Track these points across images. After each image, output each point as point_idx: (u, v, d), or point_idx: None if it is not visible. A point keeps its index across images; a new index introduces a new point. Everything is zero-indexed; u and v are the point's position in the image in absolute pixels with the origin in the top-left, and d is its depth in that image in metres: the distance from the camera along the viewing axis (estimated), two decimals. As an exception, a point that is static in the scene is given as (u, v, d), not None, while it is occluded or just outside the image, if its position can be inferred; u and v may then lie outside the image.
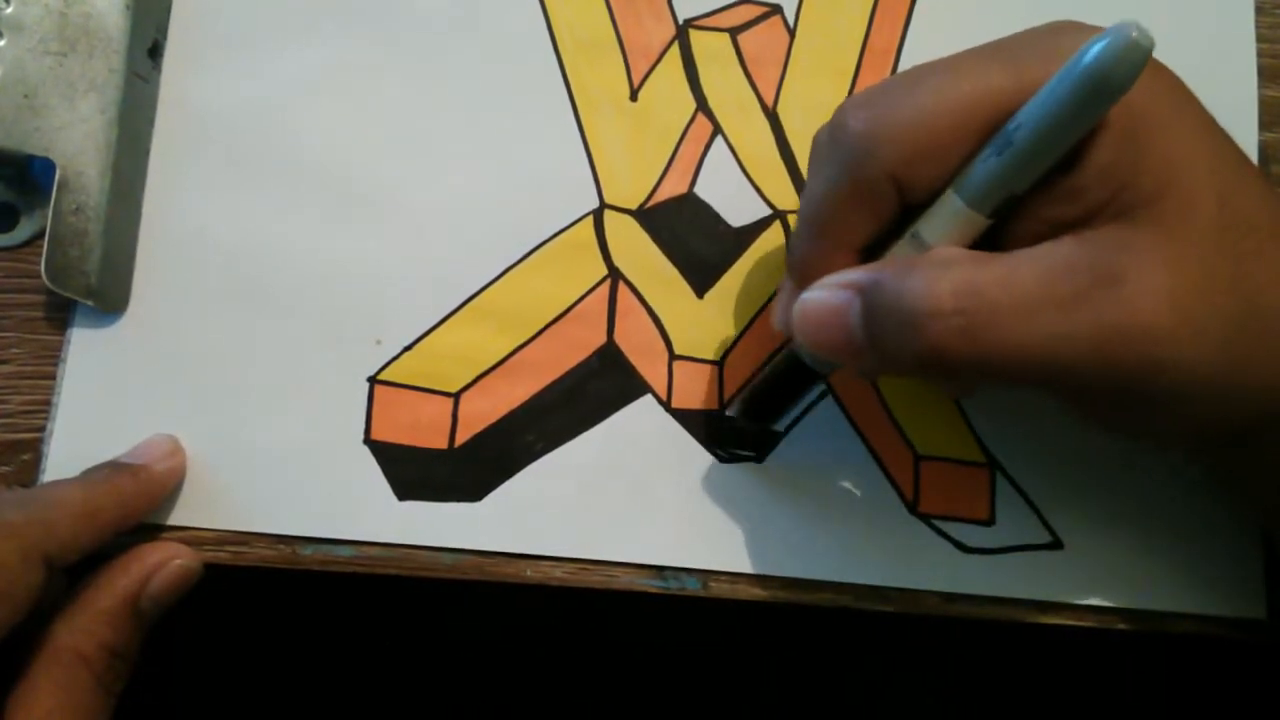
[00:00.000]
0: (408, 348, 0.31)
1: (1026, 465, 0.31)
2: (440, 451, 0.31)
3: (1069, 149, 0.22)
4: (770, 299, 0.32)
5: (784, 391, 0.29)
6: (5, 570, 0.25)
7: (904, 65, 0.33)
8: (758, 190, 0.33)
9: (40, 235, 0.31)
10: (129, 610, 0.28)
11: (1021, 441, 0.31)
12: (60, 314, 0.31)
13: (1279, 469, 0.26)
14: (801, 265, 0.26)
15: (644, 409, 0.31)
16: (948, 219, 0.24)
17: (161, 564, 0.29)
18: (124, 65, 0.31)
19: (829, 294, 0.24)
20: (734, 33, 0.33)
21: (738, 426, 0.31)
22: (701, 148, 0.33)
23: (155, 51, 0.33)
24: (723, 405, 0.31)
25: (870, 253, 0.26)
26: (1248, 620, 0.30)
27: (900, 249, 0.25)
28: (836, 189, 0.25)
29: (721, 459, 0.31)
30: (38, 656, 0.27)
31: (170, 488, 0.30)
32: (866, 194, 0.24)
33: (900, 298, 0.23)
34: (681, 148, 0.33)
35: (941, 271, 0.22)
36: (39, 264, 0.30)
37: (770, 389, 0.29)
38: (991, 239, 0.24)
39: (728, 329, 0.32)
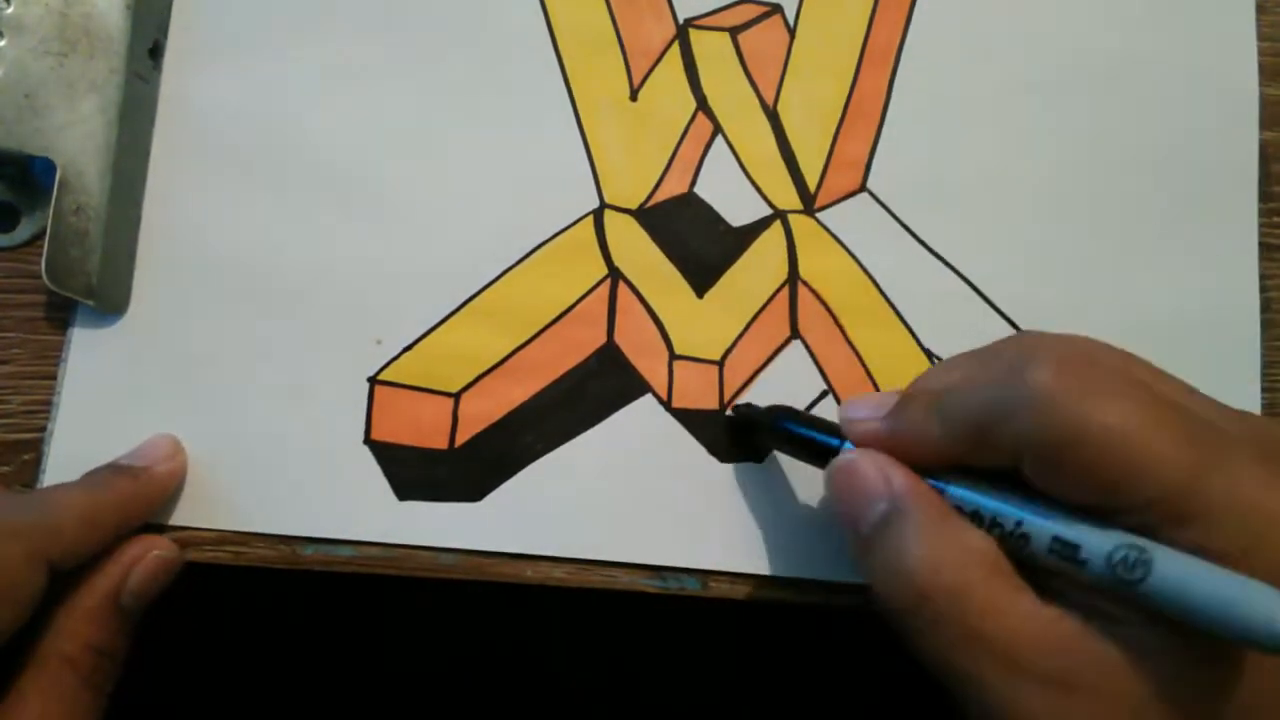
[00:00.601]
0: (408, 348, 0.31)
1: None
2: (440, 452, 0.31)
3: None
4: (770, 299, 0.32)
5: (806, 449, 0.28)
6: (9, 574, 0.25)
7: (904, 66, 0.33)
8: (758, 190, 0.33)
9: (41, 235, 0.31)
10: (111, 607, 0.28)
11: None
12: (61, 314, 0.31)
13: None
14: (903, 414, 0.26)
15: (644, 409, 0.31)
16: (1039, 546, 0.23)
17: (139, 557, 0.28)
18: (124, 66, 0.31)
19: (870, 473, 0.25)
20: (734, 32, 0.33)
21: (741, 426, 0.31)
22: (702, 147, 0.33)
23: (156, 52, 0.33)
24: (723, 406, 0.31)
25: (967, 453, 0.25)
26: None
27: (983, 519, 0.24)
28: (980, 409, 0.24)
29: (722, 459, 0.31)
30: (23, 662, 0.26)
31: (171, 489, 0.30)
32: (991, 438, 0.23)
33: (909, 543, 0.24)
34: (681, 147, 0.33)
35: (957, 561, 0.23)
36: (39, 264, 0.30)
37: (800, 435, 0.28)
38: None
39: (728, 328, 0.32)
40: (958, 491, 0.25)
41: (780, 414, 0.30)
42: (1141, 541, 0.21)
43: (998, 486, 0.24)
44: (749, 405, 0.31)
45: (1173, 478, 0.21)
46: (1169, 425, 0.21)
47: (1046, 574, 0.23)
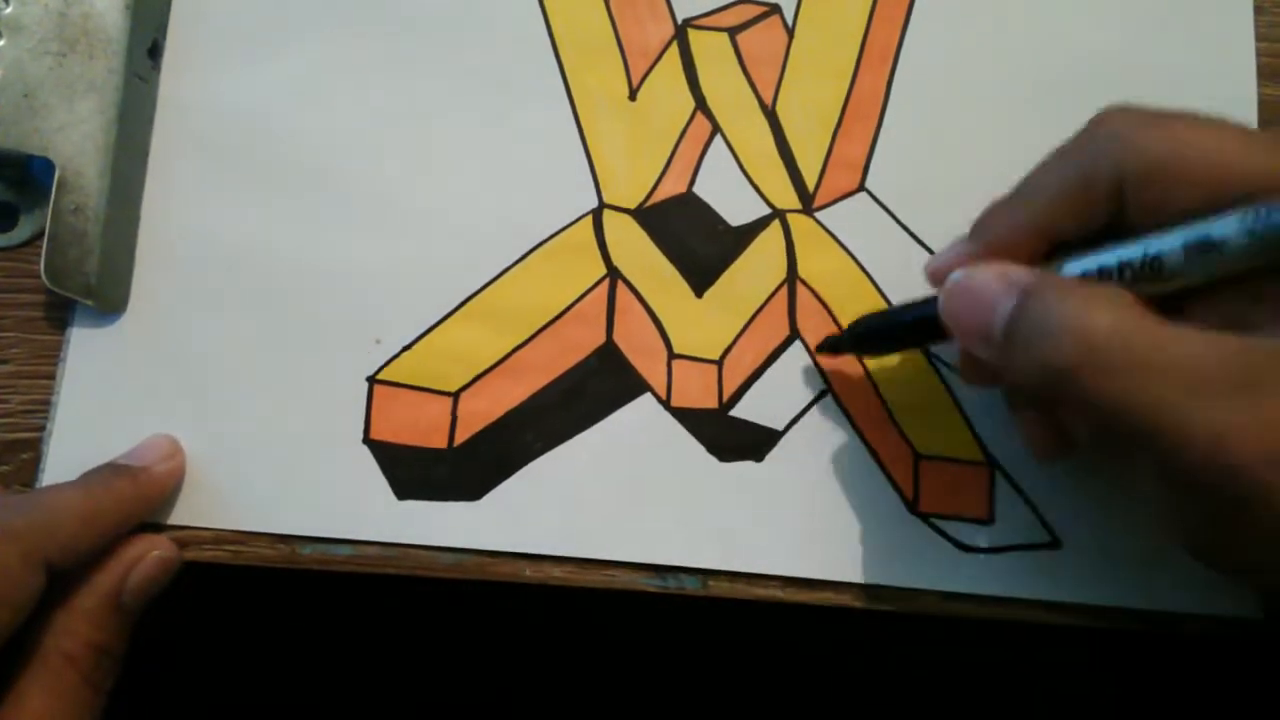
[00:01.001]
0: (407, 347, 0.31)
1: (1025, 465, 0.31)
2: (439, 451, 0.31)
3: None
4: (769, 298, 0.32)
5: (906, 336, 0.29)
6: (7, 574, 0.25)
7: (902, 66, 0.33)
8: (757, 190, 0.33)
9: (40, 235, 0.31)
10: (111, 606, 0.28)
11: (1021, 441, 0.31)
12: (60, 314, 0.31)
13: None
14: (989, 227, 0.27)
15: (643, 408, 0.31)
16: (1171, 266, 0.24)
17: (139, 557, 0.29)
18: (123, 66, 0.31)
19: (988, 280, 0.25)
20: (733, 32, 0.33)
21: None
22: (700, 147, 0.33)
23: (155, 52, 0.33)
24: (722, 405, 0.31)
25: (1055, 251, 0.26)
26: (1244, 620, 0.30)
27: (1102, 272, 0.25)
28: (1063, 170, 0.25)
29: (721, 459, 0.31)
30: (23, 660, 0.27)
31: (170, 489, 0.30)
32: (1090, 191, 0.25)
33: (1053, 311, 0.23)
34: (680, 147, 0.33)
35: (1105, 306, 0.23)
36: (38, 264, 0.30)
37: (893, 327, 0.29)
38: (1168, 307, 0.24)
39: (727, 328, 0.32)
40: (1072, 265, 0.25)
41: (858, 326, 0.30)
42: (1258, 204, 0.22)
43: (1103, 245, 0.25)
44: (833, 337, 0.31)
45: (1270, 163, 0.22)
46: (1248, 134, 0.24)
47: (1185, 307, 0.24)
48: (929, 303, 0.27)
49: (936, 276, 0.28)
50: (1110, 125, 0.25)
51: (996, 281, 0.25)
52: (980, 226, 0.27)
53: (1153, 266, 0.24)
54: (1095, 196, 0.25)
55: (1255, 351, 0.22)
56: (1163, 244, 0.24)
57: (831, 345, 0.31)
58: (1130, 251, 0.24)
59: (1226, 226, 0.23)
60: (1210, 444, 0.21)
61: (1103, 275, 0.25)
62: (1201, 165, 0.23)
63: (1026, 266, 0.25)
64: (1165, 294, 0.24)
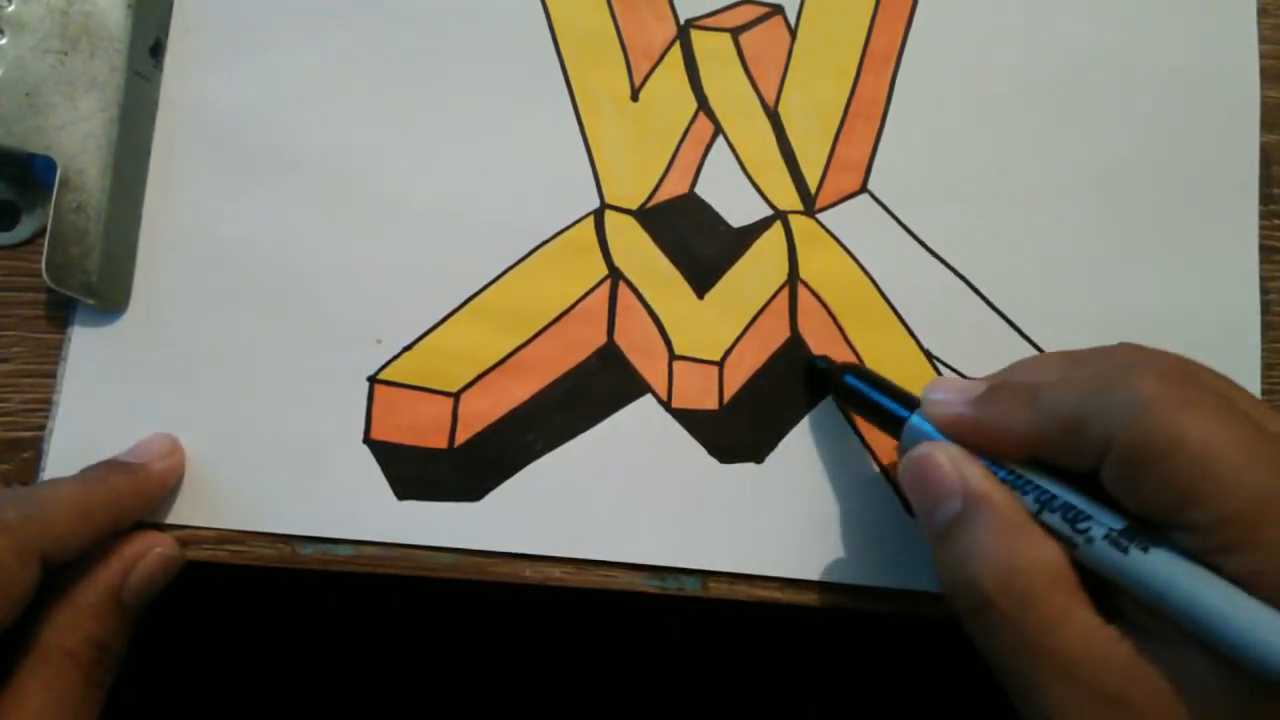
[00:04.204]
0: (408, 347, 0.31)
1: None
2: (440, 451, 0.31)
3: None
4: (770, 299, 0.32)
5: (872, 413, 0.29)
6: (2, 568, 0.25)
7: (905, 67, 0.33)
8: (758, 190, 0.33)
9: (41, 234, 0.31)
10: (112, 603, 0.28)
11: None
12: (61, 312, 0.31)
13: None
14: (977, 419, 0.26)
15: (644, 409, 0.31)
16: (1103, 560, 0.23)
17: (141, 554, 0.29)
18: (125, 64, 0.31)
19: (947, 475, 0.25)
20: (735, 33, 0.33)
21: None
22: (702, 148, 0.33)
23: (157, 50, 0.33)
24: (722, 406, 0.31)
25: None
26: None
27: (1057, 516, 0.24)
28: (1070, 424, 0.24)
29: (722, 459, 0.31)
30: (24, 655, 0.27)
31: (168, 487, 0.30)
32: (1082, 446, 0.24)
33: (985, 539, 0.24)
34: (682, 148, 0.33)
35: (1027, 564, 0.23)
36: (40, 262, 0.30)
37: (868, 400, 0.29)
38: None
39: (728, 329, 0.32)
40: (1034, 479, 0.25)
41: (849, 371, 0.30)
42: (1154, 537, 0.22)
43: (1071, 485, 0.25)
44: (825, 358, 0.31)
45: (1251, 501, 0.21)
46: (1261, 453, 0.22)
47: (1110, 591, 0.24)
48: (904, 412, 0.28)
49: (929, 405, 0.27)
50: (1136, 387, 0.23)
51: (950, 473, 0.25)
52: (991, 395, 0.26)
53: (1083, 536, 0.24)
54: (1086, 446, 0.24)
55: (1132, 661, 0.22)
56: (1099, 520, 0.23)
57: (817, 370, 0.31)
58: (1076, 505, 0.24)
59: (1105, 523, 0.23)
60: None
61: (1049, 506, 0.24)
62: (1195, 474, 0.22)
63: (985, 473, 0.25)
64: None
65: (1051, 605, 0.23)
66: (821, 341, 0.32)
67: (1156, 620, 0.23)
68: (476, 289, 0.32)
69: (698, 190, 0.33)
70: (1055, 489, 0.24)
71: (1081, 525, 0.24)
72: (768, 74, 0.33)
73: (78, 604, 0.27)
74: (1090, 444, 0.23)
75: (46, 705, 0.26)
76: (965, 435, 0.26)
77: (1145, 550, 0.22)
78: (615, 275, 0.32)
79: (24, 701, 0.26)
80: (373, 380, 0.31)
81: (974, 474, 0.25)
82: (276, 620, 0.51)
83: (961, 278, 0.32)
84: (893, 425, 0.28)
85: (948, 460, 0.25)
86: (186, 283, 0.32)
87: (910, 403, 0.28)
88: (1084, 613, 0.23)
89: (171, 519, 0.30)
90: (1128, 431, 0.22)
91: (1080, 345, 0.32)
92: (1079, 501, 0.24)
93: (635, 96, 0.33)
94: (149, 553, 0.29)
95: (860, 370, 0.30)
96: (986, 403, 0.26)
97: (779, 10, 0.34)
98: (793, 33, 0.34)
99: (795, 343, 0.32)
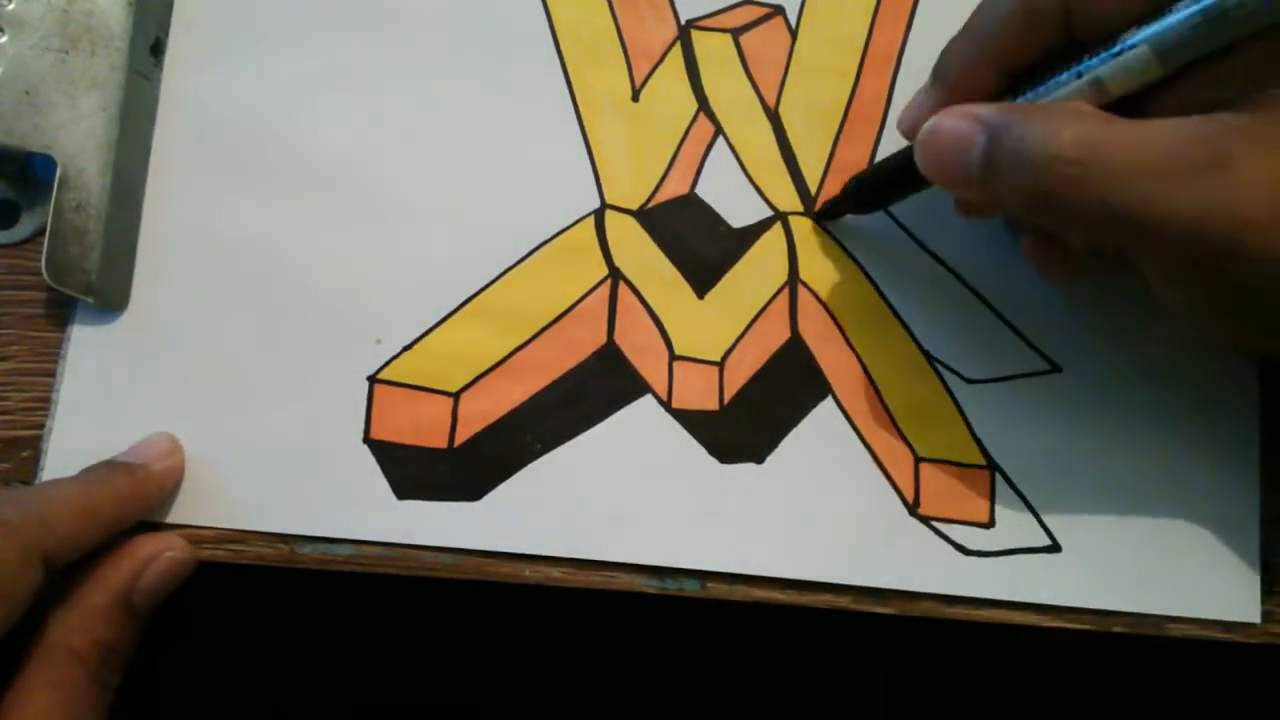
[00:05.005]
0: (408, 347, 0.31)
1: (1026, 468, 0.31)
2: (440, 451, 0.31)
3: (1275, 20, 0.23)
4: (770, 300, 0.32)
5: (892, 188, 0.30)
6: (4, 569, 0.25)
7: (905, 67, 0.33)
8: (759, 191, 0.33)
9: (41, 232, 0.31)
10: (121, 605, 0.28)
11: (1021, 445, 0.31)
12: (61, 311, 0.31)
13: None
14: (947, 68, 0.28)
15: (644, 409, 0.31)
16: (1133, 67, 0.24)
17: (153, 557, 0.29)
18: (126, 63, 0.31)
19: (957, 122, 0.25)
20: (736, 33, 0.33)
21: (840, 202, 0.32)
22: (703, 148, 0.33)
23: (157, 49, 0.33)
24: (723, 407, 0.31)
25: (1014, 82, 0.27)
26: (1241, 623, 0.30)
27: (1067, 89, 0.25)
28: (1007, 3, 0.26)
29: (722, 460, 0.31)
30: (31, 655, 0.26)
31: (168, 487, 0.30)
32: (1035, 16, 0.25)
33: (1023, 139, 0.24)
34: (683, 148, 0.33)
35: (1069, 122, 0.24)
36: (40, 261, 0.30)
37: (880, 181, 0.30)
38: (1130, 109, 0.25)
39: (728, 329, 0.32)
40: (1033, 93, 0.26)
41: (852, 182, 0.31)
42: None
43: (1058, 65, 0.25)
44: (832, 202, 0.32)
45: None
46: None
47: (1149, 107, 0.24)
48: (907, 152, 0.28)
49: (909, 132, 0.28)
50: None
51: (963, 122, 0.25)
52: (939, 70, 0.28)
53: (1102, 76, 0.24)
54: (1042, 20, 0.25)
55: (1218, 125, 0.23)
56: (1129, 38, 0.24)
57: (829, 209, 0.32)
58: (1087, 59, 0.25)
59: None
60: (1194, 226, 0.22)
61: (1065, 94, 0.25)
62: None
63: (990, 103, 0.26)
64: (1127, 96, 0.25)
65: (1114, 129, 0.23)
66: (821, 341, 0.32)
67: (1212, 87, 0.23)
68: (476, 289, 0.32)
69: (698, 190, 0.33)
70: (1056, 79, 0.25)
71: (1109, 53, 0.24)
72: (768, 75, 0.33)
73: (86, 605, 0.27)
74: (1047, 15, 0.25)
75: (53, 704, 0.26)
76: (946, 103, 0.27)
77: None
78: (615, 275, 0.32)
79: (30, 700, 0.26)
80: (372, 380, 0.31)
81: (978, 108, 0.25)
82: (276, 620, 0.51)
83: (960, 278, 0.32)
84: (917, 176, 0.28)
85: (949, 114, 0.26)
86: (186, 282, 0.32)
87: (908, 153, 0.28)
88: (1148, 122, 0.23)
89: (171, 519, 0.30)
90: None
91: (1079, 344, 0.32)
92: (1084, 57, 0.25)
93: (636, 97, 0.33)
94: (160, 555, 0.29)
95: (858, 174, 0.31)
96: (942, 74, 0.27)
97: (779, 11, 0.34)
98: (793, 33, 0.34)
99: (795, 343, 0.32)
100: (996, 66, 0.27)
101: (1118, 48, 0.24)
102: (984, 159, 0.25)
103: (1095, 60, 0.25)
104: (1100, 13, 0.25)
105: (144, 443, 0.30)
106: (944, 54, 0.28)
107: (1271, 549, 0.31)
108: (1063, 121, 0.24)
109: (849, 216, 0.33)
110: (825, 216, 0.32)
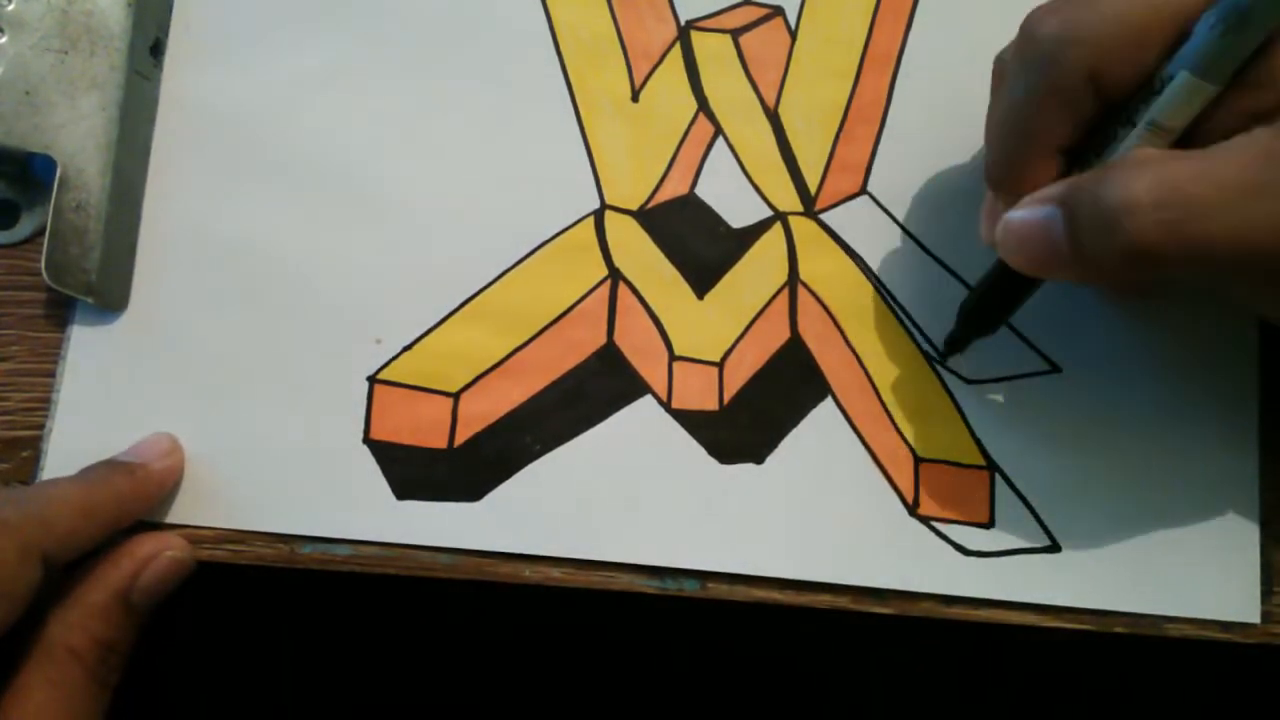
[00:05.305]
0: (408, 347, 0.31)
1: (1026, 469, 0.31)
2: (440, 451, 0.31)
3: None
4: (770, 300, 0.32)
5: (1001, 301, 0.30)
6: (4, 568, 0.25)
7: (905, 68, 0.33)
8: (758, 191, 0.33)
9: (41, 232, 0.31)
10: (120, 603, 0.28)
11: (1021, 445, 0.31)
12: (60, 311, 0.31)
13: None
14: (999, 170, 0.27)
15: (644, 409, 0.31)
16: (1180, 95, 0.24)
17: (152, 556, 0.29)
18: (125, 63, 0.31)
19: (1031, 211, 0.25)
20: (736, 34, 0.33)
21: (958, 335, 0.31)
22: (702, 149, 0.33)
23: (157, 49, 0.33)
24: (722, 407, 0.31)
25: (1069, 158, 0.27)
26: (1241, 623, 0.30)
27: (1129, 141, 0.25)
28: (1033, 93, 0.26)
29: (721, 460, 0.31)
30: (30, 653, 0.27)
31: (168, 486, 0.30)
32: (1064, 95, 0.25)
33: (1098, 200, 0.24)
34: (682, 149, 0.33)
35: (1138, 171, 0.23)
36: (39, 261, 0.30)
37: (985, 300, 0.30)
38: (1184, 142, 0.25)
39: (728, 330, 0.32)
40: (1097, 158, 0.26)
41: (961, 311, 0.31)
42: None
43: (1105, 127, 0.26)
44: (950, 336, 0.31)
45: None
46: None
47: (1208, 139, 0.24)
48: (999, 262, 0.28)
49: (991, 241, 0.28)
50: (1046, 30, 0.25)
51: (1036, 207, 0.25)
52: (994, 178, 0.28)
53: (1156, 117, 0.24)
54: (1073, 96, 0.25)
55: (1273, 143, 0.22)
56: (1168, 71, 0.24)
57: (950, 344, 0.31)
58: (1137, 111, 0.25)
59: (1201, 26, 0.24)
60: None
61: (1127, 146, 0.25)
62: (1148, 17, 0.24)
63: (1055, 183, 0.26)
64: (1186, 127, 0.25)
65: (1185, 168, 0.23)
66: (821, 342, 0.32)
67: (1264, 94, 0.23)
68: (476, 289, 0.32)
69: (698, 191, 0.33)
70: (1108, 139, 0.26)
71: (1156, 87, 0.24)
72: (768, 75, 0.33)
73: (85, 603, 0.27)
74: (1077, 91, 0.25)
75: (50, 701, 0.26)
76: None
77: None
78: (615, 276, 0.32)
79: (29, 699, 0.26)
80: (372, 380, 0.31)
81: (1047, 190, 0.25)
82: (276, 620, 0.51)
83: (961, 279, 0.32)
84: (1019, 280, 0.28)
85: (1024, 205, 0.26)
86: (186, 282, 0.32)
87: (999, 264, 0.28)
88: (1213, 149, 0.23)
89: (171, 519, 0.30)
90: (1089, 48, 0.24)
91: (1079, 344, 0.32)
92: (1137, 102, 0.25)
93: (635, 97, 0.33)
94: (160, 554, 0.29)
95: (964, 302, 0.31)
96: (997, 177, 0.28)
97: (779, 11, 0.34)
98: (793, 34, 0.34)
99: (795, 343, 0.32)
100: (1044, 152, 0.26)
101: (1159, 85, 0.24)
102: (1068, 235, 0.24)
103: (1143, 105, 0.25)
104: (1126, 63, 0.24)
105: (144, 442, 0.30)
106: (992, 163, 0.28)
107: (1271, 549, 0.31)
108: (1131, 172, 0.23)
109: (846, 216, 0.33)
110: (951, 350, 0.31)
